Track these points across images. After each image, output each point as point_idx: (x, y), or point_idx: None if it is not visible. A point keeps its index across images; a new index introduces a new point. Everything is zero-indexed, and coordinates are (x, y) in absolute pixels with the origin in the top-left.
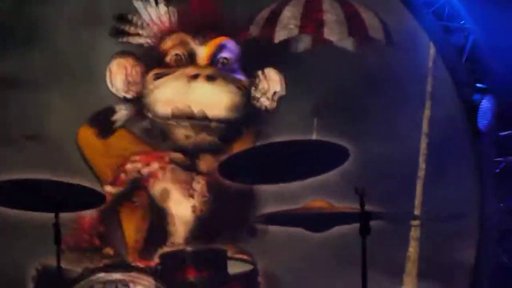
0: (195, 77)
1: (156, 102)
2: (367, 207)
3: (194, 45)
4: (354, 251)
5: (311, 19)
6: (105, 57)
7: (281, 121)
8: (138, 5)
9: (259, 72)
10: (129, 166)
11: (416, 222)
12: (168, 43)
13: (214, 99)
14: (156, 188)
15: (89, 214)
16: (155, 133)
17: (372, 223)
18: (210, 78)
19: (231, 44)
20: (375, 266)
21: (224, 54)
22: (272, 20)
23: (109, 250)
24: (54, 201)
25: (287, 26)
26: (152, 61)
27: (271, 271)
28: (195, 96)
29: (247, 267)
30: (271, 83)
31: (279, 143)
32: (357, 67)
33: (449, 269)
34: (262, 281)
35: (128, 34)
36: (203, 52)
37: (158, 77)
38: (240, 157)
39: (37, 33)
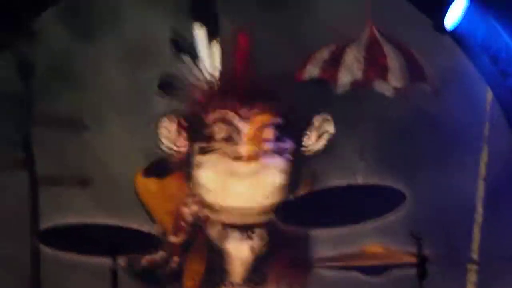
0: (237, 158)
1: (201, 184)
2: (424, 251)
3: (238, 122)
4: None
5: (375, 64)
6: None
7: (332, 163)
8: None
9: (312, 124)
10: (186, 210)
11: (473, 266)
12: (211, 117)
13: (258, 188)
14: (215, 229)
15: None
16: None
17: (429, 267)
18: (253, 158)
19: (273, 119)
20: None
21: (267, 132)
22: (334, 61)
23: None
24: (111, 245)
25: (351, 68)
26: (196, 128)
27: None
28: (240, 185)
29: None
30: (322, 127)
31: (335, 188)
32: (413, 111)
33: None
34: None
35: (174, 94)
36: (246, 130)
37: (203, 151)
38: (296, 201)
39: (88, 73)
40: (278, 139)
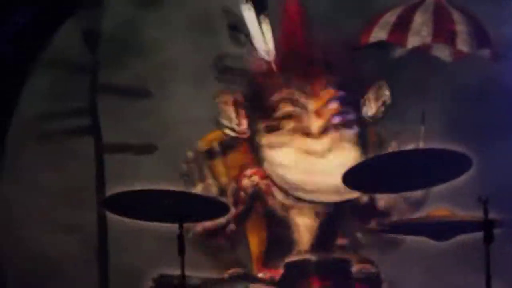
0: (311, 153)
1: (278, 176)
2: (491, 215)
3: (303, 100)
4: (478, 260)
5: (443, 29)
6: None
7: (390, 130)
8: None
9: (369, 92)
10: (246, 181)
11: None
12: (276, 96)
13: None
14: (277, 199)
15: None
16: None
17: (496, 231)
18: (326, 153)
19: (337, 93)
20: (499, 275)
21: (333, 105)
22: (402, 25)
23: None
24: (178, 212)
25: (419, 33)
26: (256, 106)
27: (393, 279)
28: (318, 179)
29: (371, 276)
30: (380, 96)
31: (402, 152)
32: (477, 77)
33: None
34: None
35: (233, 73)
36: (312, 107)
37: (269, 130)
38: (363, 166)
39: (148, 43)
40: (343, 112)
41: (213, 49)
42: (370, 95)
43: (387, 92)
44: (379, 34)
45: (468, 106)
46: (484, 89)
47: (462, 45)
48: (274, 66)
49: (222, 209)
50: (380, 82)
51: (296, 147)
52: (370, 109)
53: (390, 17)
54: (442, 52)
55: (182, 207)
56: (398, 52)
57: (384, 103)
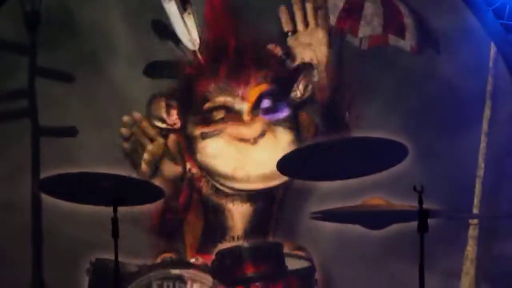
0: (243, 141)
1: (209, 167)
2: (425, 205)
3: (236, 104)
4: (412, 249)
5: (393, 21)
6: None
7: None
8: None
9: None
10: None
11: (474, 221)
12: (209, 105)
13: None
14: (209, 185)
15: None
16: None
17: (430, 221)
18: (258, 139)
19: (269, 87)
20: (433, 265)
21: (266, 103)
22: (352, 12)
23: (168, 254)
24: (113, 195)
25: (371, 22)
26: (186, 97)
27: (327, 268)
28: (253, 169)
29: (304, 264)
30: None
31: (337, 140)
32: (415, 66)
33: (508, 269)
34: (319, 278)
35: (162, 75)
36: (245, 108)
37: (205, 137)
38: (299, 153)
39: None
40: (274, 109)
41: (146, 39)
42: (300, 79)
43: (315, 73)
44: (323, 17)
45: (406, 95)
46: (425, 81)
47: (410, 39)
48: (200, 56)
49: (157, 193)
50: (310, 68)
51: (228, 135)
52: (298, 91)
53: (339, 1)
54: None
55: (117, 191)
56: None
57: (312, 86)
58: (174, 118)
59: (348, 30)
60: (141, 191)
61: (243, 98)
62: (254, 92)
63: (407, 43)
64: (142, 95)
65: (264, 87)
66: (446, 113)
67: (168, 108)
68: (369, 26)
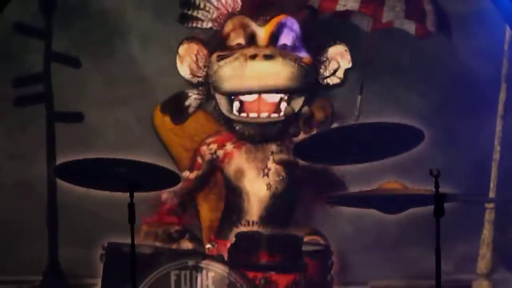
0: (253, 57)
1: (219, 81)
2: (442, 189)
3: (255, 26)
4: (428, 233)
5: (414, 7)
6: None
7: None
8: None
9: (328, 50)
10: (204, 148)
11: (490, 205)
12: (229, 26)
13: (273, 75)
14: (231, 167)
15: (169, 201)
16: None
17: (447, 205)
18: (268, 57)
19: (291, 21)
20: (449, 249)
21: (284, 34)
22: None
23: (187, 238)
24: (129, 180)
25: (394, 8)
26: (217, 44)
27: (344, 252)
28: (254, 74)
29: (320, 247)
30: (341, 61)
31: (354, 125)
32: (431, 51)
33: None
34: (336, 261)
35: (195, 19)
36: (263, 33)
37: (221, 58)
38: (316, 138)
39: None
40: (295, 48)
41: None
42: (328, 58)
43: (347, 60)
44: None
45: (422, 79)
46: (440, 65)
47: (431, 26)
48: (232, 5)
49: (173, 179)
50: (342, 47)
51: (242, 55)
52: (326, 72)
53: None
54: (409, 27)
55: (133, 176)
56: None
57: (339, 71)
58: (201, 69)
59: (372, 16)
60: (156, 176)
61: (262, 25)
62: (274, 19)
63: (412, 25)
64: (163, 81)
65: (287, 17)
66: (462, 96)
67: (198, 56)
68: (392, 12)
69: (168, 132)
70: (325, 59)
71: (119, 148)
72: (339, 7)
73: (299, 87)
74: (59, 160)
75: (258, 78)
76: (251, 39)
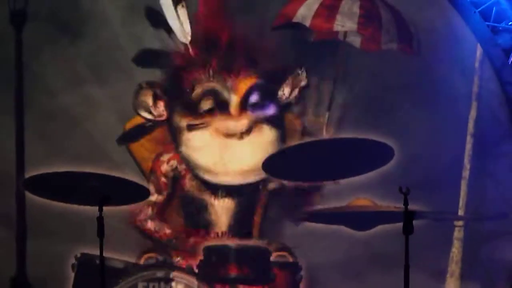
0: (230, 135)
1: (191, 160)
2: (411, 207)
3: (226, 94)
4: (397, 250)
5: (370, 20)
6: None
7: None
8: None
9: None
10: (165, 166)
11: (460, 223)
12: (198, 90)
13: (252, 162)
14: (194, 181)
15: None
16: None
17: (416, 223)
18: (244, 134)
19: (258, 81)
20: (418, 266)
21: (254, 97)
22: (329, 9)
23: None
24: (98, 194)
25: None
26: (187, 106)
27: (313, 268)
28: (237, 162)
29: (289, 260)
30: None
31: (324, 141)
32: (402, 68)
33: (492, 270)
34: (305, 276)
35: (153, 64)
36: (234, 101)
37: (192, 128)
38: (285, 154)
39: (87, 26)
40: (262, 105)
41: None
42: (288, 81)
43: (304, 79)
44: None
45: (393, 97)
46: (411, 84)
47: (387, 40)
48: (191, 48)
49: (142, 193)
50: (298, 71)
51: (214, 128)
52: (284, 94)
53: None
54: (355, 41)
55: (103, 190)
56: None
57: (296, 89)
58: (161, 109)
59: (371, 37)
60: (127, 190)
61: (232, 90)
62: (243, 84)
63: (394, 45)
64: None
65: (254, 80)
66: (433, 114)
67: (155, 99)
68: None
69: (138, 146)
70: (285, 83)
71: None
72: (337, 27)
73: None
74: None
75: (236, 169)
76: (222, 107)
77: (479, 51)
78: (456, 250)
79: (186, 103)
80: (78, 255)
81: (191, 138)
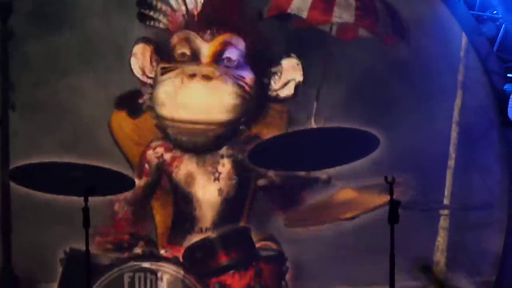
0: (192, 76)
1: (157, 100)
2: (396, 196)
3: (200, 42)
4: (383, 240)
5: (366, 12)
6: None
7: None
8: None
9: (281, 63)
10: (150, 152)
11: (445, 212)
12: (175, 39)
13: (208, 102)
14: (181, 172)
15: (121, 210)
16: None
17: (402, 212)
18: (206, 78)
19: (237, 40)
20: (404, 255)
21: (229, 52)
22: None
23: (141, 244)
24: (84, 185)
25: (384, 22)
26: (165, 54)
27: (298, 257)
28: (191, 98)
29: (274, 252)
30: (293, 74)
31: (309, 130)
32: (388, 57)
33: (476, 259)
34: (290, 266)
35: (152, 19)
36: (207, 50)
37: (163, 72)
38: (270, 143)
39: (69, 17)
40: (238, 65)
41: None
42: (280, 71)
43: (299, 74)
44: (344, 15)
45: (378, 86)
46: (396, 72)
47: (383, 30)
48: (192, 17)
49: (127, 183)
50: (294, 60)
51: (181, 70)
52: (276, 85)
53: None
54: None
55: (88, 180)
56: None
57: (291, 84)
58: (152, 69)
59: (368, 28)
60: (111, 181)
61: (208, 41)
62: (221, 38)
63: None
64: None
65: (232, 36)
66: (418, 103)
67: (151, 58)
68: (341, 15)
69: (124, 135)
70: (276, 71)
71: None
72: (335, 19)
73: (234, 119)
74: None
75: (191, 109)
76: (195, 55)
77: (464, 40)
78: (441, 239)
79: (164, 51)
80: (67, 249)
81: (163, 80)
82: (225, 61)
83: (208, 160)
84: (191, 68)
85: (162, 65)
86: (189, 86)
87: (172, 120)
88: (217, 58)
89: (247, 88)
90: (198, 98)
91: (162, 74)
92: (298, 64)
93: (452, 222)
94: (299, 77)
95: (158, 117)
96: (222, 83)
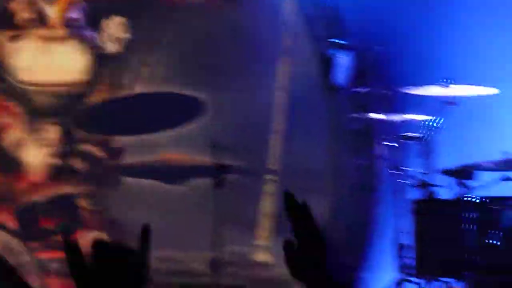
0: (48, 40)
1: (15, 67)
2: (222, 160)
3: (43, 5)
4: (210, 203)
5: None
6: None
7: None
8: None
9: (105, 21)
10: None
11: (270, 176)
12: (14, 4)
13: (69, 64)
14: (10, 138)
15: None
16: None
17: (227, 176)
18: (62, 40)
19: (82, 4)
20: (229, 219)
21: (74, 13)
22: None
23: None
24: None
25: None
26: (5, 21)
27: (125, 222)
28: (50, 62)
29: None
30: (120, 31)
31: (137, 95)
32: (213, 20)
33: None
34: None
35: None
36: (53, 12)
37: (15, 39)
38: (97, 108)
39: None
40: (82, 26)
41: None
42: (105, 28)
43: (124, 31)
44: None
45: (203, 51)
46: (220, 35)
47: None
48: None
49: None
50: (119, 19)
51: (32, 35)
52: (101, 41)
53: None
54: None
55: None
56: None
57: (117, 40)
58: None
59: None
60: None
61: (53, 3)
62: (62, 5)
63: None
64: None
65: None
66: (243, 67)
67: None
68: None
69: None
70: (106, 27)
71: None
72: None
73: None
74: None
75: (54, 70)
76: (42, 19)
77: (289, 3)
78: (267, 204)
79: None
80: None
81: (15, 48)
82: (72, 22)
83: (37, 126)
84: (45, 32)
85: (10, 33)
86: (48, 50)
87: (36, 84)
88: (65, 19)
89: (93, 47)
90: (55, 60)
91: (13, 41)
92: (125, 23)
93: (278, 187)
94: (125, 34)
95: (18, 82)
96: (78, 44)
